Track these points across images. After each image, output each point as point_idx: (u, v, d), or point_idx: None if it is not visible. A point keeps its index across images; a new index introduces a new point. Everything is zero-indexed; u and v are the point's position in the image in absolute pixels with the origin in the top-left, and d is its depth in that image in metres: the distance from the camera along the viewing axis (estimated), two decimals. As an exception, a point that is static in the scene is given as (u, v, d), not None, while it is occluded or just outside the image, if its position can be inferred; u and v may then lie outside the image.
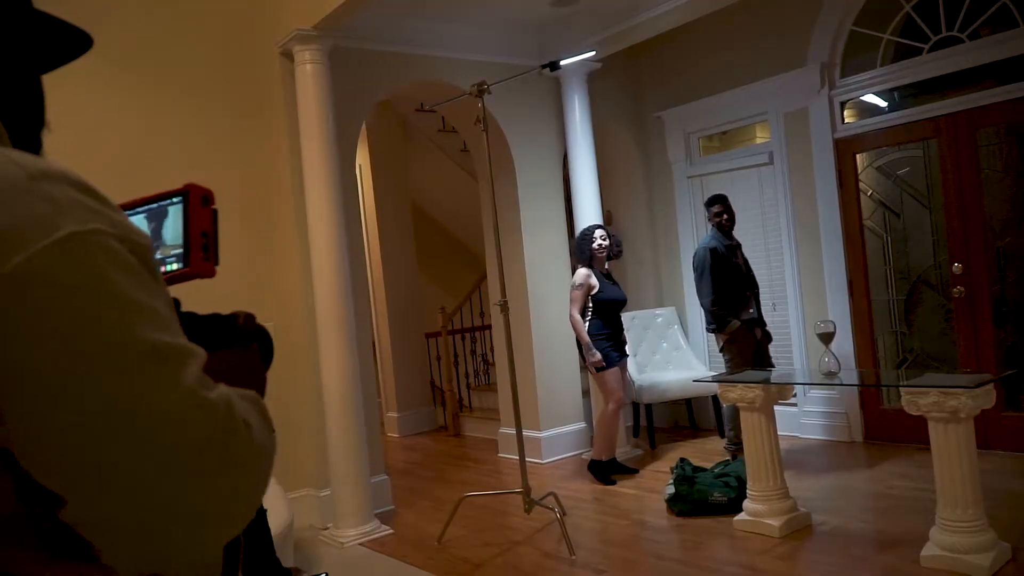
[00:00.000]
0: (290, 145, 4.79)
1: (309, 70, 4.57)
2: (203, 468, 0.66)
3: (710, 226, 5.41)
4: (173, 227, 1.00)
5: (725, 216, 5.23)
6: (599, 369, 5.13)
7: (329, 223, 4.56)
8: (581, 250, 5.25)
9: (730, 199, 5.41)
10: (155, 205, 1.03)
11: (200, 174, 4.60)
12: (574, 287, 5.23)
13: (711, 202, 5.32)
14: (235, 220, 4.72)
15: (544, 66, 5.17)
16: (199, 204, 1.00)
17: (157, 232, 1.01)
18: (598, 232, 5.26)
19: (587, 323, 5.18)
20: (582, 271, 5.22)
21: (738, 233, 5.46)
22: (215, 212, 1.03)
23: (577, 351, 5.41)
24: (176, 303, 0.89)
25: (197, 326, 0.92)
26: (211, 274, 0.99)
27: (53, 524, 0.66)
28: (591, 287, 5.17)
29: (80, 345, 0.63)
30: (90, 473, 0.63)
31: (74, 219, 0.65)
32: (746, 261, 5.39)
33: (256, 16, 4.84)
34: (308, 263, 4.67)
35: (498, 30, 5.72)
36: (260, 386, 0.95)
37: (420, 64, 5.49)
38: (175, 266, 0.97)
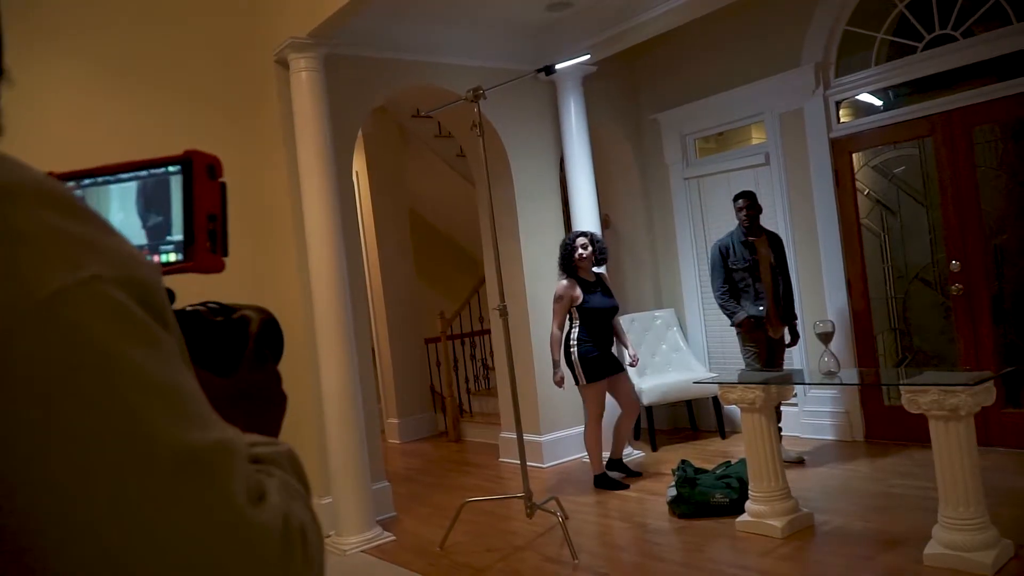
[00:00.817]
0: (287, 153, 4.79)
1: (304, 78, 4.57)
2: None
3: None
4: (171, 205, 0.77)
5: (744, 212, 5.20)
6: (588, 380, 5.10)
7: (327, 230, 4.56)
8: (564, 260, 5.17)
9: (727, 199, 5.40)
10: (145, 173, 0.79)
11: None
12: (554, 300, 5.17)
13: (735, 198, 5.29)
14: (232, 228, 4.69)
15: (539, 70, 5.17)
16: (204, 176, 0.78)
17: (150, 211, 0.78)
18: (579, 240, 5.16)
19: (574, 332, 5.13)
20: (563, 282, 5.15)
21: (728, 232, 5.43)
22: (223, 186, 0.80)
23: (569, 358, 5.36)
24: (170, 295, 0.72)
25: (202, 333, 0.75)
26: (219, 269, 0.78)
27: None
28: (574, 298, 5.11)
29: (82, 460, 0.44)
30: None
31: (58, 263, 0.46)
32: (776, 257, 5.24)
33: (251, 24, 4.84)
34: (306, 270, 4.67)
35: (493, 35, 5.73)
36: (280, 410, 0.79)
37: (415, 70, 5.50)
38: (173, 257, 0.75)
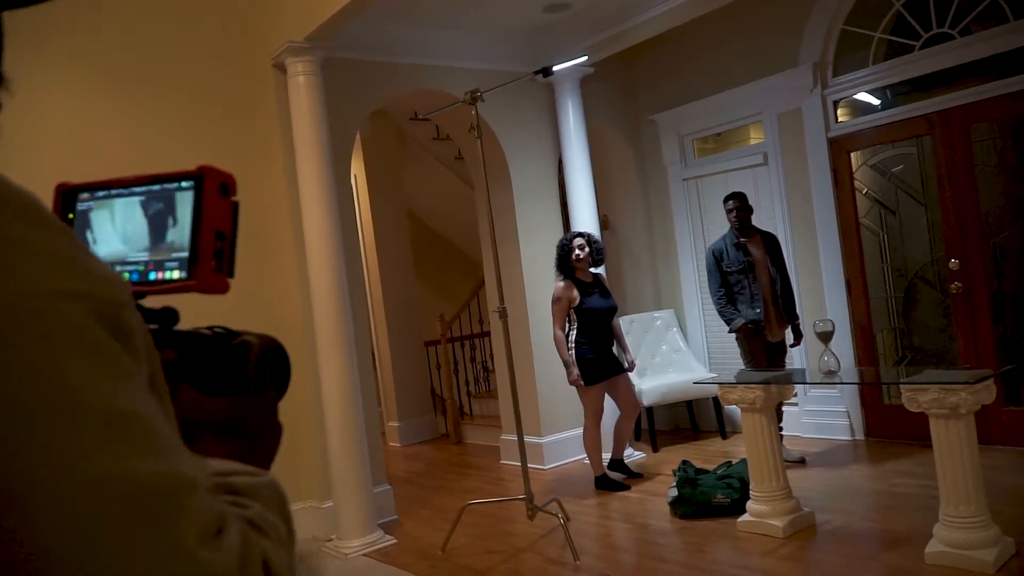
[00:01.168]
0: (285, 157, 4.80)
1: (302, 81, 4.57)
2: None
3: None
4: (179, 221, 0.75)
5: (733, 214, 5.19)
6: (586, 383, 5.08)
7: (326, 234, 4.56)
8: (562, 261, 5.15)
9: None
10: (158, 188, 0.77)
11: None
12: (552, 301, 5.15)
13: (725, 199, 5.28)
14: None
15: (537, 72, 5.17)
16: (216, 193, 0.75)
17: (158, 226, 0.75)
18: (576, 241, 5.13)
19: (572, 334, 5.11)
20: (560, 284, 5.12)
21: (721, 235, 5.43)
22: (236, 205, 0.77)
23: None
24: (172, 315, 0.73)
25: (197, 351, 0.74)
26: (224, 290, 0.75)
27: None
28: (572, 299, 5.09)
29: (22, 490, 0.42)
30: None
31: (19, 275, 0.45)
32: (772, 257, 5.19)
33: (248, 29, 4.85)
34: (305, 274, 4.67)
35: (490, 37, 5.73)
36: (274, 440, 0.76)
37: (413, 73, 5.50)
38: (176, 274, 0.73)
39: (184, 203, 0.74)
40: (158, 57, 4.57)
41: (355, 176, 7.41)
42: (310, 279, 4.61)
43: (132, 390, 0.49)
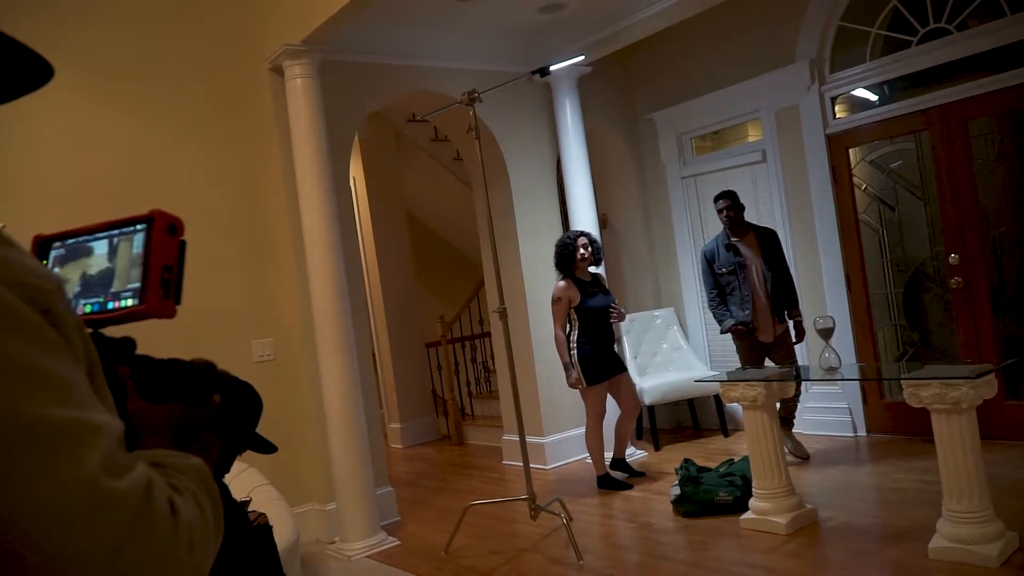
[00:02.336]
0: (283, 160, 4.80)
1: (299, 84, 4.57)
2: (109, 572, 0.56)
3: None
4: (133, 258, 0.89)
5: (724, 213, 5.18)
6: (588, 383, 5.06)
7: (325, 236, 4.56)
8: (564, 260, 5.11)
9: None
10: (116, 232, 0.92)
11: (192, 192, 4.61)
12: (553, 302, 5.11)
13: (715, 198, 5.26)
14: (230, 236, 4.72)
15: (534, 72, 5.18)
16: (164, 233, 0.89)
17: (118, 263, 0.90)
18: (580, 240, 5.10)
19: (573, 334, 5.09)
20: (560, 284, 5.08)
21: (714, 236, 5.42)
22: (183, 244, 0.91)
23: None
24: (129, 344, 0.86)
25: (150, 372, 0.86)
26: (170, 314, 0.88)
27: None
28: (572, 299, 5.05)
29: None
30: None
31: None
32: (770, 253, 5.13)
33: (244, 32, 4.84)
34: (305, 277, 4.67)
35: (487, 38, 5.73)
36: (213, 446, 0.87)
37: (410, 74, 5.50)
38: (129, 302, 0.87)
39: (139, 242, 0.89)
40: (155, 62, 4.56)
41: (354, 178, 7.42)
42: (310, 282, 4.60)
43: (51, 355, 0.58)
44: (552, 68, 5.11)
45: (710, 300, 5.27)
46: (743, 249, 5.14)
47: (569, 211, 6.00)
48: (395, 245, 7.83)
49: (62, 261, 0.94)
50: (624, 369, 5.24)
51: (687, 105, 6.40)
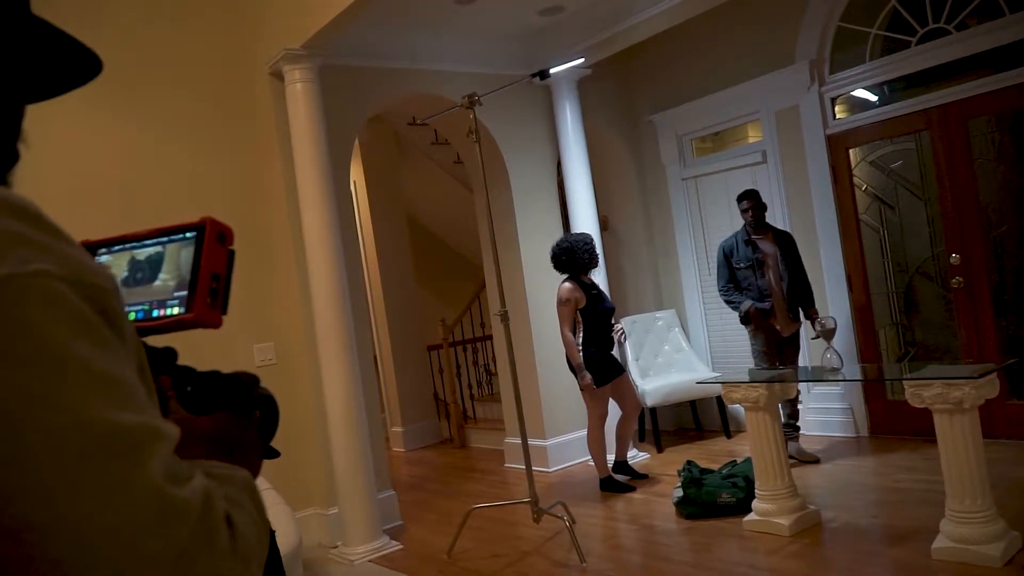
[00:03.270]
0: (284, 164, 4.80)
1: (299, 89, 4.58)
2: None
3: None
4: (182, 265, 0.87)
5: (749, 213, 5.17)
6: (596, 385, 5.05)
7: (326, 240, 4.56)
8: (578, 261, 5.08)
9: (725, 199, 5.37)
10: (165, 239, 0.90)
11: (193, 196, 4.61)
12: (561, 303, 5.07)
13: (739, 198, 5.25)
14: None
15: (534, 75, 5.18)
16: (215, 241, 0.88)
17: (166, 270, 0.88)
18: (593, 243, 5.12)
19: (579, 338, 5.07)
20: (567, 285, 5.06)
21: (734, 230, 5.43)
22: (231, 253, 0.90)
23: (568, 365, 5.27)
24: (171, 354, 0.85)
25: (193, 383, 0.85)
26: (217, 324, 0.87)
27: None
28: (579, 301, 5.03)
29: (10, 431, 0.50)
30: None
31: (10, 258, 0.53)
32: (787, 254, 5.13)
33: (244, 37, 4.85)
34: (306, 281, 4.67)
35: (487, 41, 5.74)
36: (255, 458, 0.87)
37: (410, 78, 5.51)
38: (176, 310, 0.85)
39: (188, 249, 0.87)
40: (155, 67, 4.58)
41: (354, 182, 7.42)
42: (311, 286, 4.61)
43: (111, 356, 0.57)
44: (552, 71, 5.11)
45: (723, 288, 5.21)
46: (762, 246, 5.15)
47: (570, 213, 6.00)
48: (396, 248, 7.84)
49: (111, 264, 0.93)
50: (624, 370, 5.24)
51: (687, 106, 6.40)
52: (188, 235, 0.88)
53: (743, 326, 5.23)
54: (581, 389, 5.13)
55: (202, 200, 4.61)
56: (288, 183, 4.77)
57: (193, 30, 4.72)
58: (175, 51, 4.65)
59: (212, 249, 0.86)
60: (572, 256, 5.09)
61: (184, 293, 0.85)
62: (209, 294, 0.85)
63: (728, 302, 5.24)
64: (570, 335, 5.05)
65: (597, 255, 5.17)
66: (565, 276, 5.15)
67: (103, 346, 0.56)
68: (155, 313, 0.86)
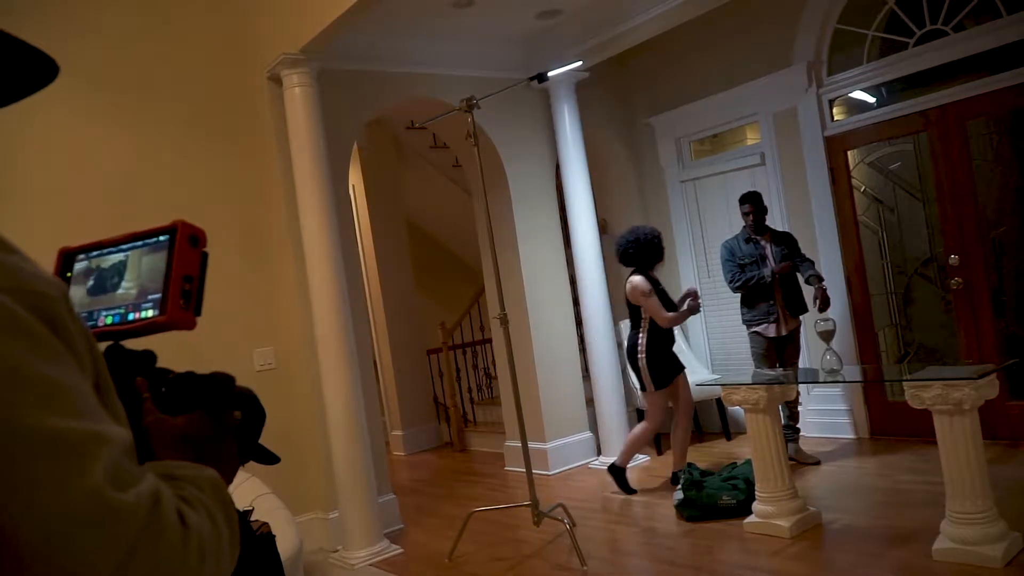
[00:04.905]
0: (282, 169, 4.80)
1: (297, 93, 4.58)
2: None
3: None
4: (150, 270, 0.89)
5: (751, 216, 5.17)
6: (658, 387, 4.94)
7: (324, 245, 4.56)
8: (648, 254, 4.94)
9: (723, 201, 5.37)
10: (139, 243, 0.91)
11: (192, 201, 4.62)
12: (646, 295, 4.87)
13: (740, 201, 5.26)
14: (230, 246, 4.72)
15: (532, 78, 5.18)
16: (186, 244, 0.88)
17: (141, 274, 0.90)
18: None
19: (642, 336, 4.93)
20: (639, 278, 4.91)
21: (732, 233, 5.43)
22: (204, 255, 0.91)
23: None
24: (149, 357, 0.87)
25: (167, 384, 0.86)
26: (190, 326, 0.88)
27: None
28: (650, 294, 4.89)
29: None
30: None
31: None
32: (786, 255, 5.13)
33: (242, 42, 4.86)
34: (305, 285, 4.67)
35: (485, 45, 5.74)
36: (230, 456, 0.87)
37: (408, 82, 5.51)
38: (150, 313, 0.86)
39: (161, 253, 0.88)
40: (153, 73, 4.58)
41: (353, 186, 7.43)
42: (310, 290, 4.61)
43: (55, 363, 0.58)
44: (550, 74, 5.12)
45: (733, 279, 5.16)
46: (764, 244, 5.17)
47: (569, 216, 6.00)
48: (395, 252, 7.84)
49: (86, 273, 0.94)
50: (683, 367, 5.14)
51: (685, 109, 6.41)
52: (161, 238, 0.89)
53: (747, 325, 5.23)
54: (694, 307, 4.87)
55: (200, 205, 4.61)
56: (287, 187, 4.77)
57: (191, 35, 4.72)
58: (173, 57, 4.65)
59: (184, 252, 0.87)
60: (642, 249, 4.96)
61: (158, 296, 0.86)
62: (182, 296, 0.86)
63: (746, 284, 5.11)
64: (670, 315, 4.86)
65: (664, 249, 5.05)
66: (632, 270, 5.02)
67: (46, 353, 0.57)
68: (131, 316, 0.88)
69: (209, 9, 4.81)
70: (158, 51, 4.60)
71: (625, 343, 5.24)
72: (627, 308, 5.11)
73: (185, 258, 0.87)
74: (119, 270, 0.91)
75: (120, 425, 0.63)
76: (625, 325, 6.37)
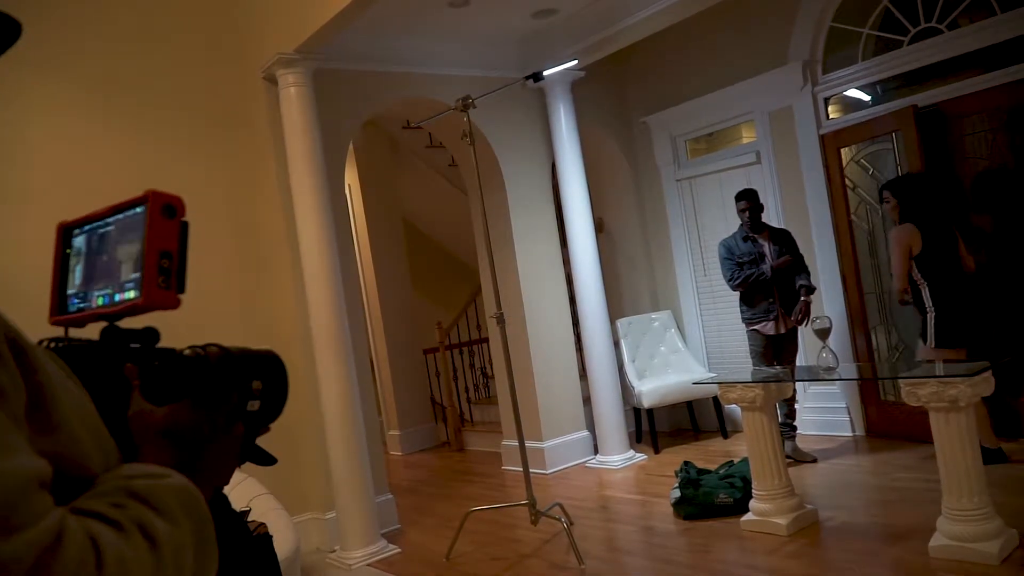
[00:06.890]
0: (278, 169, 4.80)
1: (293, 93, 4.58)
2: None
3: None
4: (134, 244, 0.80)
5: (746, 213, 5.17)
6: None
7: (321, 245, 4.56)
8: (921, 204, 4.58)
9: (720, 199, 5.36)
10: (121, 215, 0.83)
11: (188, 201, 4.59)
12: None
13: (736, 198, 5.27)
14: (227, 246, 4.72)
15: (527, 77, 5.18)
16: (159, 216, 0.79)
17: (123, 251, 0.81)
18: None
19: (925, 289, 4.54)
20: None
21: (728, 231, 5.43)
22: (184, 226, 0.81)
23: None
24: (153, 334, 0.79)
25: (145, 371, 0.78)
26: (172, 305, 0.79)
27: None
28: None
29: None
30: None
31: None
32: (783, 252, 5.14)
33: (238, 42, 4.85)
34: (302, 285, 4.67)
35: (480, 44, 5.74)
36: (223, 457, 0.80)
37: (404, 82, 5.51)
38: (131, 294, 0.78)
39: (140, 227, 0.79)
40: (148, 73, 4.57)
41: (349, 186, 7.42)
42: (307, 290, 4.60)
43: None
44: (545, 73, 5.12)
45: (734, 274, 5.17)
46: (761, 242, 5.19)
47: (565, 215, 6.00)
48: (392, 252, 7.84)
49: (81, 249, 0.88)
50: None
51: (681, 108, 6.41)
52: (138, 210, 0.81)
53: (747, 324, 5.23)
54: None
55: (196, 205, 4.54)
56: (283, 187, 4.77)
57: (186, 35, 4.71)
58: (168, 56, 4.64)
59: (158, 225, 0.78)
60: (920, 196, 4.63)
61: (139, 275, 0.78)
62: (160, 273, 0.77)
63: (746, 281, 5.12)
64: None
65: None
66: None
67: None
68: (116, 298, 0.81)
69: (204, 9, 4.80)
70: (153, 51, 4.59)
71: None
72: None
73: (160, 232, 0.78)
74: (107, 246, 0.84)
75: (28, 455, 0.57)
76: (622, 323, 6.39)
